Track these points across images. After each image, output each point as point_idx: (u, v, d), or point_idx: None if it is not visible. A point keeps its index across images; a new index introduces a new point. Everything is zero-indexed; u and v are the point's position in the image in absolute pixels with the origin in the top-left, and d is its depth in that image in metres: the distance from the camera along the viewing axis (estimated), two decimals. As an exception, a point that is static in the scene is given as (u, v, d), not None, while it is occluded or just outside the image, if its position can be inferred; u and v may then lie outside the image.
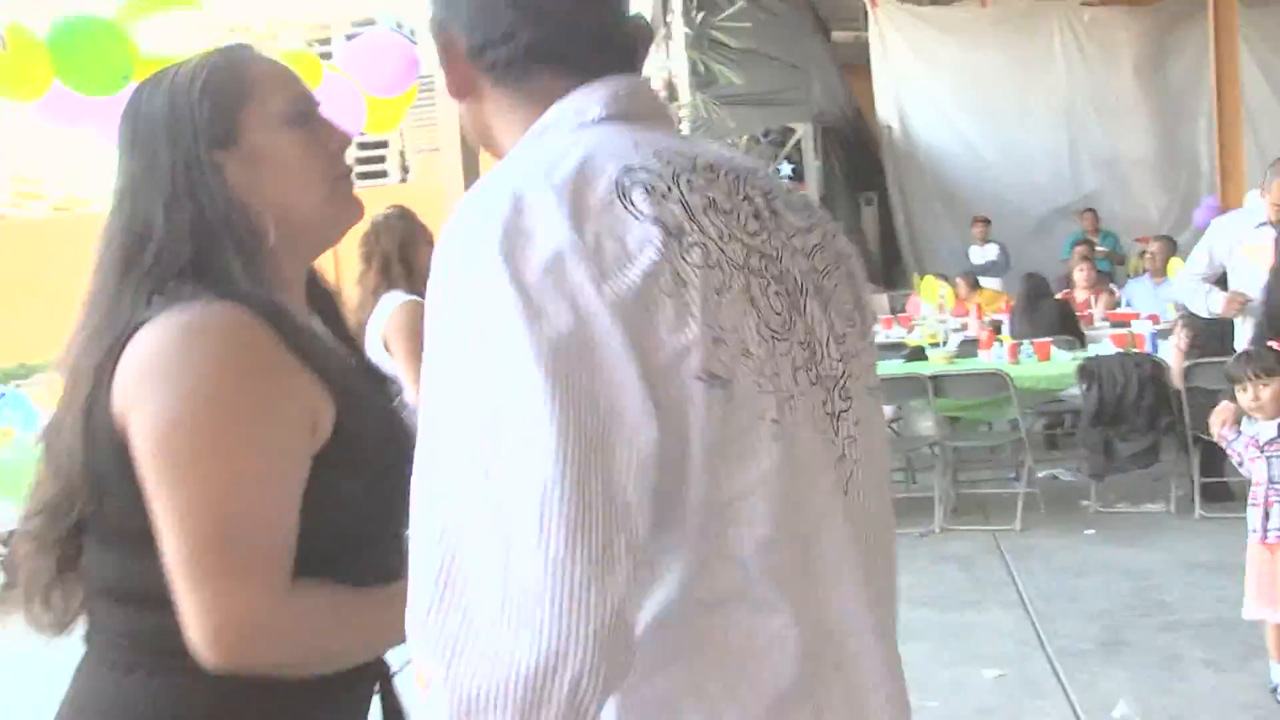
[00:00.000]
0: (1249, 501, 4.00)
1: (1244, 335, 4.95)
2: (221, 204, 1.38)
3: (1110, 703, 3.97)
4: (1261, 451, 3.92)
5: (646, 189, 0.97)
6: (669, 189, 0.99)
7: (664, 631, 0.99)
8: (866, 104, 13.20)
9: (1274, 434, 3.91)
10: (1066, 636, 4.64)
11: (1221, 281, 5.36)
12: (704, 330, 0.94)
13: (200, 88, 1.40)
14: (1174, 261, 8.71)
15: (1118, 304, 9.06)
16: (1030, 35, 13.40)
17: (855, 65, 13.11)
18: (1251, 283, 4.90)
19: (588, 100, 1.08)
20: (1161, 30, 13.37)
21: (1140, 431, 5.92)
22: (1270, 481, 3.88)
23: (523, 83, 1.11)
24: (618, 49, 1.12)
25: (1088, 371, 6.33)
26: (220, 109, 1.40)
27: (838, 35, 13.46)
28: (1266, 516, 3.87)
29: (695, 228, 0.98)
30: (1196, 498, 6.07)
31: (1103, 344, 7.11)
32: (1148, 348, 6.67)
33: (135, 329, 1.30)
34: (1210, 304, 5.12)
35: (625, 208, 0.95)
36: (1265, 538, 3.87)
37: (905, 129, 13.20)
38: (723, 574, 0.99)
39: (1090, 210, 12.30)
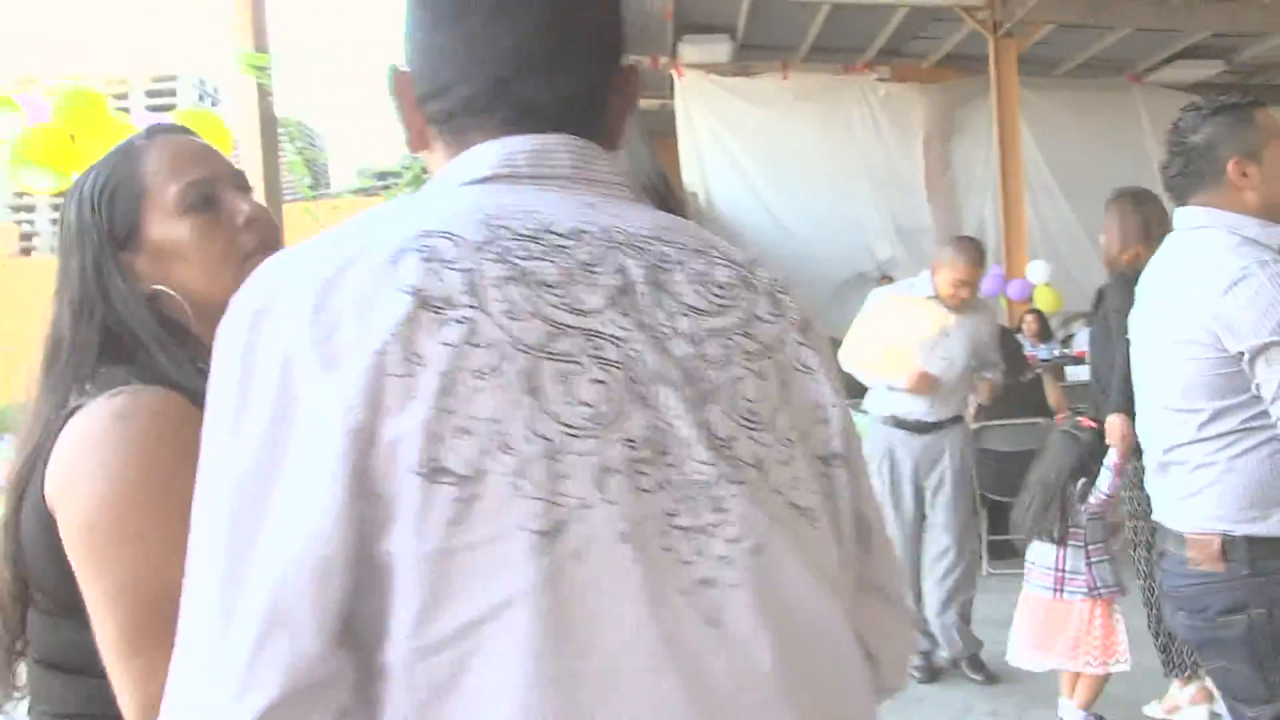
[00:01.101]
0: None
1: None
2: (133, 302, 1.43)
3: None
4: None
5: (425, 256, 0.88)
6: (459, 257, 0.88)
7: None
8: (674, 171, 13.38)
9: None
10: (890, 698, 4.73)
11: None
12: (433, 416, 0.81)
13: (100, 193, 1.45)
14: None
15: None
16: (830, 108, 13.77)
17: (663, 134, 13.29)
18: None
19: (480, 159, 1.01)
20: (951, 107, 13.96)
21: (933, 491, 6.09)
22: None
23: (460, 137, 1.04)
24: (559, 108, 1.03)
25: (884, 434, 6.48)
26: (120, 212, 1.45)
27: (645, 104, 13.63)
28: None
29: (471, 301, 0.86)
30: (985, 555, 6.28)
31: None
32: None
33: (69, 416, 1.33)
34: (893, 381, 4.88)
35: (389, 276, 0.86)
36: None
37: (709, 196, 13.44)
38: None
39: (887, 277, 12.69)
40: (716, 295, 0.98)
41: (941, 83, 14.13)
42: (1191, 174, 2.42)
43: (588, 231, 0.96)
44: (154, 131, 1.56)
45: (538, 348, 0.86)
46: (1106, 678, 4.11)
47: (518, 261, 0.90)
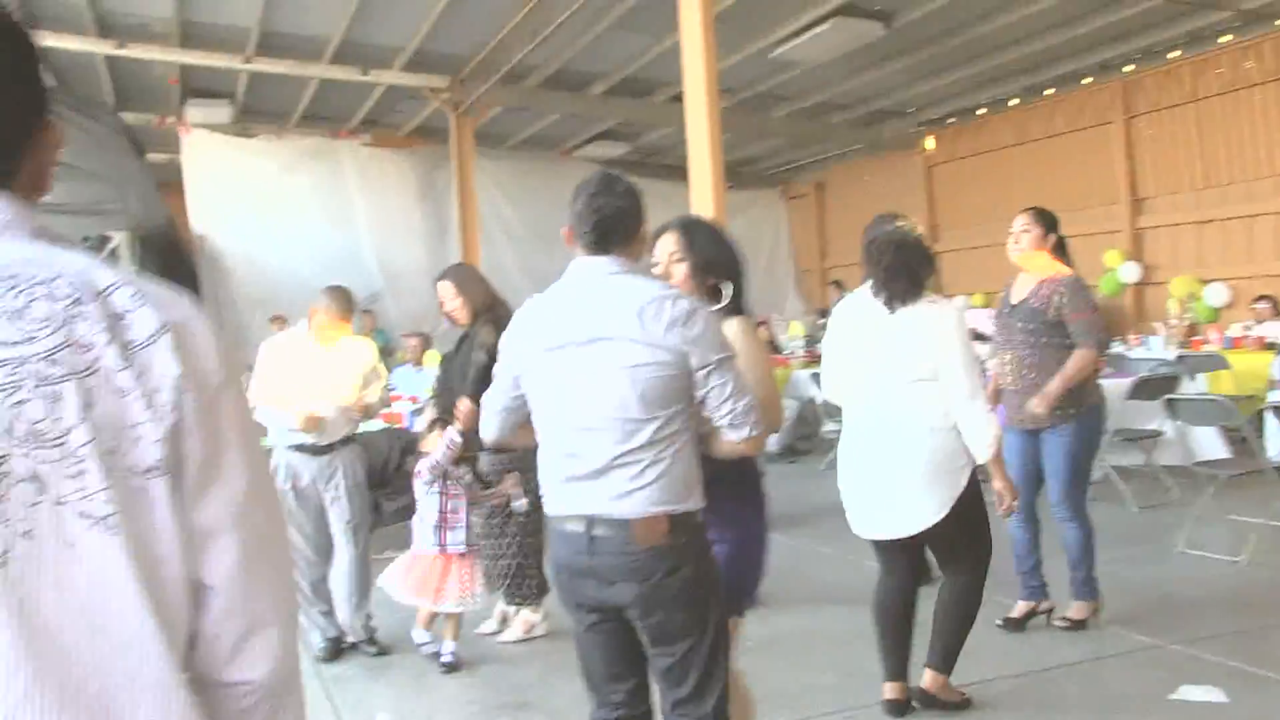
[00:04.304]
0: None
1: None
2: None
3: (374, 714, 4.15)
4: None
5: None
6: None
7: None
8: (183, 216, 12.67)
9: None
10: (339, 664, 4.75)
11: None
12: None
13: None
14: (430, 354, 9.24)
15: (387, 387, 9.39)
16: (327, 163, 13.71)
17: (172, 184, 12.55)
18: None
19: None
20: (425, 169, 14.31)
21: (400, 491, 6.18)
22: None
23: None
24: None
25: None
26: None
27: (155, 157, 12.79)
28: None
29: None
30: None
31: (374, 420, 7.34)
32: (406, 423, 7.02)
33: None
34: (288, 423, 4.86)
35: None
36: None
37: (217, 237, 12.87)
38: None
39: (368, 311, 12.63)
40: (29, 327, 0.90)
41: (415, 149, 14.39)
42: (618, 230, 2.55)
43: None
44: None
45: None
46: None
47: None
